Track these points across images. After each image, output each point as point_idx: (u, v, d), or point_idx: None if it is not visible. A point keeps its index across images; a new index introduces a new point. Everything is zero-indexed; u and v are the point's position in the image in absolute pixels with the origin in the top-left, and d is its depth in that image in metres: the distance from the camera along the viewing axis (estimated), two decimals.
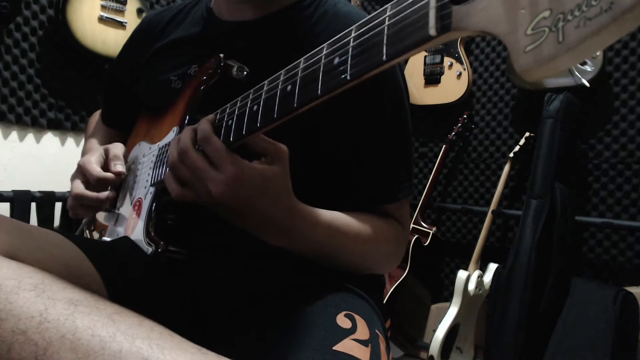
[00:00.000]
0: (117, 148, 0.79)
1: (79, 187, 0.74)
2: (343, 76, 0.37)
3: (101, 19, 1.74)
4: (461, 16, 0.27)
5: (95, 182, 0.74)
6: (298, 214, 0.58)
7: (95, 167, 0.74)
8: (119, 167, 0.75)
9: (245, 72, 0.65)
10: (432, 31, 0.29)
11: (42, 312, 0.37)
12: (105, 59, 1.76)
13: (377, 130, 0.69)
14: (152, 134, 0.80)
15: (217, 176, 0.52)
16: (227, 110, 0.56)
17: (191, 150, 0.54)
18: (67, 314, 0.37)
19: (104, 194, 0.74)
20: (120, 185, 0.84)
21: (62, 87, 1.80)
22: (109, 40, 1.75)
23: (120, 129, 0.95)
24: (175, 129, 0.72)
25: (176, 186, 0.57)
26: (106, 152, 0.78)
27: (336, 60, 0.39)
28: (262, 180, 0.53)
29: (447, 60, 2.18)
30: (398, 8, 0.32)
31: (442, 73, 2.20)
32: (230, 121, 0.54)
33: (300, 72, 0.44)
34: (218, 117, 0.57)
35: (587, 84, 1.75)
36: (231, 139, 0.53)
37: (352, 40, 0.37)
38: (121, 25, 1.78)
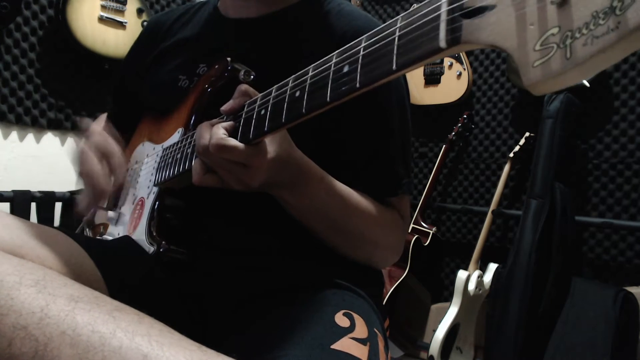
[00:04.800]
0: (117, 157, 0.77)
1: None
2: (352, 84, 0.38)
3: (101, 19, 1.73)
4: (471, 30, 0.27)
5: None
6: (305, 167, 0.60)
7: (100, 181, 0.74)
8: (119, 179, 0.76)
9: (252, 76, 0.65)
10: (443, 43, 0.29)
11: (43, 308, 0.37)
12: (105, 59, 1.75)
13: (378, 129, 0.70)
14: (156, 135, 0.80)
15: (247, 172, 0.54)
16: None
17: (216, 155, 0.54)
18: (68, 310, 0.37)
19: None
20: (122, 185, 0.84)
21: (62, 87, 1.80)
22: (109, 40, 1.75)
23: (124, 131, 0.95)
24: (180, 130, 0.73)
25: (201, 173, 0.57)
26: (111, 159, 0.76)
27: (346, 69, 0.39)
28: (283, 159, 0.56)
29: (447, 60, 2.19)
30: (409, 20, 0.32)
31: (442, 73, 2.20)
32: (237, 124, 0.55)
33: (309, 78, 0.45)
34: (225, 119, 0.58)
35: (587, 84, 1.76)
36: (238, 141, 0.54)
37: (362, 49, 0.38)
38: (121, 25, 1.78)
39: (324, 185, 0.62)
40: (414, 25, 0.32)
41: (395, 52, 0.33)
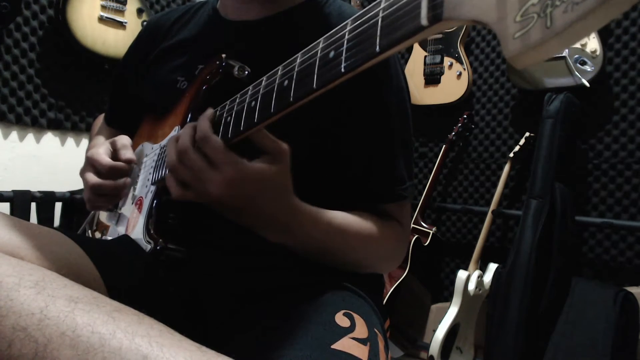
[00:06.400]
0: (124, 139, 0.78)
1: (93, 178, 0.74)
2: (337, 69, 0.38)
3: (101, 19, 1.74)
4: (452, 5, 0.27)
5: (107, 172, 0.73)
6: (298, 212, 0.58)
7: (105, 157, 0.74)
8: (129, 154, 0.75)
9: (246, 72, 0.65)
10: (424, 21, 0.29)
11: (42, 309, 0.37)
12: (105, 59, 1.76)
13: (380, 130, 0.70)
14: (154, 135, 0.80)
15: (216, 177, 0.53)
16: (227, 107, 0.57)
17: (190, 150, 0.55)
18: (68, 311, 0.37)
19: (121, 180, 0.74)
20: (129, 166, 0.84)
21: (62, 87, 1.81)
22: (109, 40, 1.76)
23: (122, 130, 0.95)
24: (176, 128, 0.73)
25: (177, 187, 0.57)
26: (113, 144, 0.78)
27: (332, 54, 0.39)
28: (260, 180, 0.54)
29: (447, 60, 2.19)
30: (392, 0, 0.32)
31: (442, 73, 2.20)
32: (229, 117, 0.55)
33: (297, 66, 0.44)
34: (218, 113, 0.58)
35: (587, 84, 1.75)
36: (229, 135, 0.54)
37: (347, 33, 0.38)
38: (121, 25, 1.79)
39: (320, 226, 0.61)
40: (396, 5, 0.31)
41: (378, 33, 0.33)
